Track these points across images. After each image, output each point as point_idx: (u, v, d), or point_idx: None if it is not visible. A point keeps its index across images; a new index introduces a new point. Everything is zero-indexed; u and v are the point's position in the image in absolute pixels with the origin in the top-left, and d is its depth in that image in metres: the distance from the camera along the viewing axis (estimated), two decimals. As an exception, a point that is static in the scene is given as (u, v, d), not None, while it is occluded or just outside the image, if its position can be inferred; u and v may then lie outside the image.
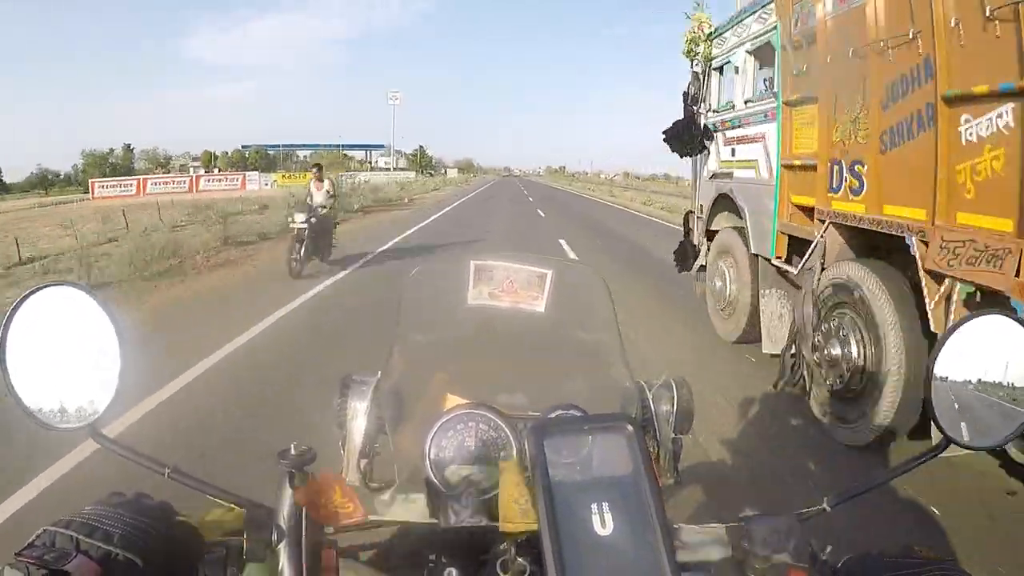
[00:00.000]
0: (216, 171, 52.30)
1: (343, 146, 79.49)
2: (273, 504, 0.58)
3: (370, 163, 74.50)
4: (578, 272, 0.82)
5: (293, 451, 0.58)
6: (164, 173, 54.13)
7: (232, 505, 0.59)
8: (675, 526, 0.56)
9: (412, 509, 0.63)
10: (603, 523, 0.49)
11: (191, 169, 60.31)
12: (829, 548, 0.59)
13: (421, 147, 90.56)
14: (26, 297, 0.60)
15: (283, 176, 42.25)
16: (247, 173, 44.97)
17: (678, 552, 0.52)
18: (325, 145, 77.89)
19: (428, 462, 0.65)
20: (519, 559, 0.58)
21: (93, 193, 35.37)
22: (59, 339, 0.61)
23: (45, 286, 0.62)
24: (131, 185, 37.30)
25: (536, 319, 0.76)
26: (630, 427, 0.55)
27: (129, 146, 66.44)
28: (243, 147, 77.72)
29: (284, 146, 79.93)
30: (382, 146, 76.91)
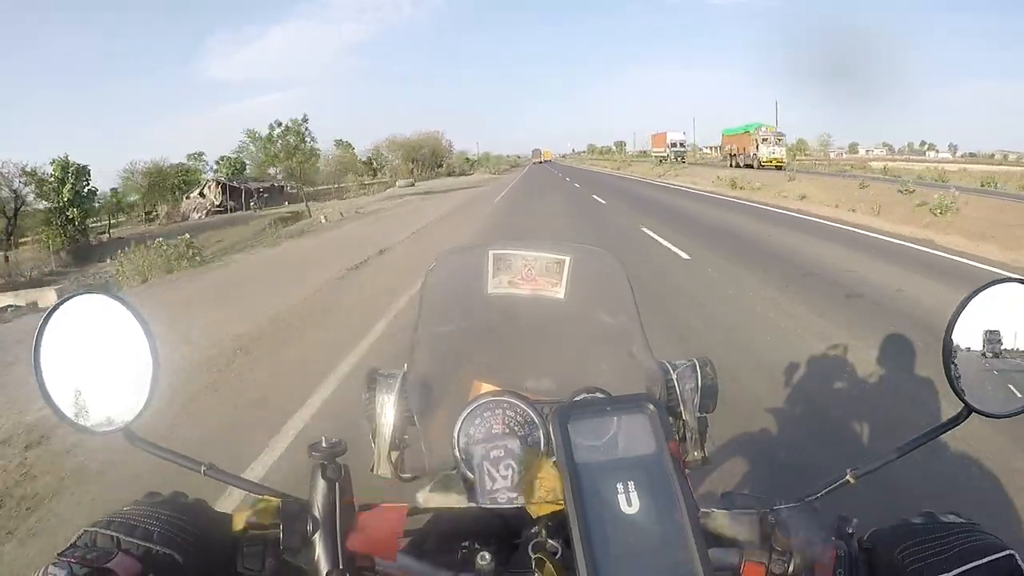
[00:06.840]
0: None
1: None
2: (307, 497, 0.59)
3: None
4: (596, 256, 0.82)
5: (324, 443, 0.60)
6: None
7: (267, 498, 0.61)
8: (702, 510, 0.57)
9: (445, 496, 0.64)
10: (628, 502, 0.50)
11: None
12: (855, 521, 0.60)
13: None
14: (58, 306, 0.62)
15: None
16: None
17: (705, 530, 0.53)
18: None
19: (457, 450, 0.66)
20: (550, 540, 0.60)
21: None
22: (91, 346, 0.62)
23: (76, 294, 0.63)
24: None
25: (557, 305, 0.77)
26: (652, 407, 0.55)
27: None
28: None
29: None
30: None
